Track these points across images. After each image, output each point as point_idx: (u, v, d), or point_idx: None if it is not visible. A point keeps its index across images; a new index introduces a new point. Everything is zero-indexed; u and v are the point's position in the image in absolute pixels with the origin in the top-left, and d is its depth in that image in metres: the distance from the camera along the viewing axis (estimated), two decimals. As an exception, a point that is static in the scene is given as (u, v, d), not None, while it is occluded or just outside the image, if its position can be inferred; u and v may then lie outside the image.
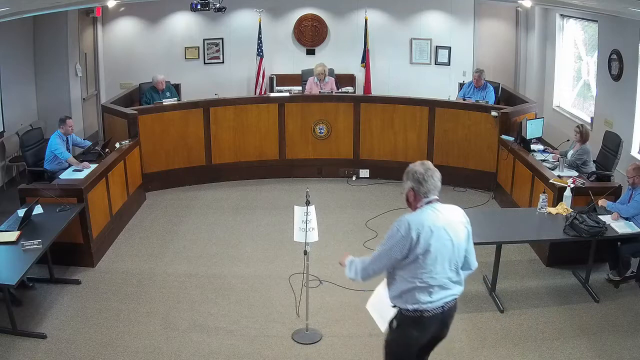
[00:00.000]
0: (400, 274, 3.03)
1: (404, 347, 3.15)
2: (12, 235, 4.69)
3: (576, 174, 5.94)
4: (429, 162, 3.10)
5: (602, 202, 5.27)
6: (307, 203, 4.26)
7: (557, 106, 9.56)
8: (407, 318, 3.06)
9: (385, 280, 3.21)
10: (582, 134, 6.16)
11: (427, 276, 2.99)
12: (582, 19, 8.58)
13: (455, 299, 3.14)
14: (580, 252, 5.29)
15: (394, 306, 3.13)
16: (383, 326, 3.29)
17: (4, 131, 7.59)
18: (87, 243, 5.51)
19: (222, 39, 9.93)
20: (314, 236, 4.33)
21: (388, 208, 6.77)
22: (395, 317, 3.13)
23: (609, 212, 5.18)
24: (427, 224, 2.96)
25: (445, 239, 3.00)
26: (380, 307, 3.31)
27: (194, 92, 8.76)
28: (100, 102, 9.07)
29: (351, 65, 9.84)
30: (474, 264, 3.24)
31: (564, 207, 5.25)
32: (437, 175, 3.04)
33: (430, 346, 3.29)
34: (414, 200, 3.06)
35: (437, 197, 3.06)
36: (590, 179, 5.83)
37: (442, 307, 3.06)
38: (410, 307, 3.03)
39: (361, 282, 3.21)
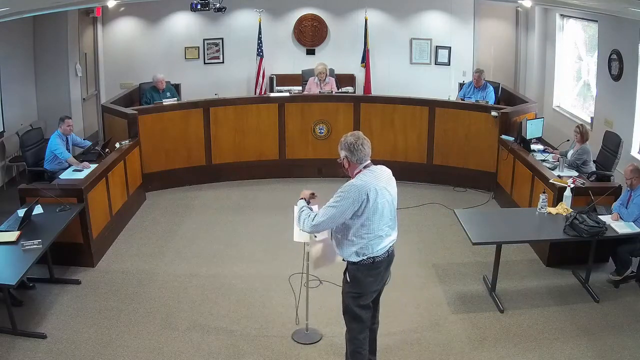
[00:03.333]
0: (353, 233, 3.45)
1: (362, 294, 3.58)
2: (12, 235, 4.69)
3: (576, 174, 5.94)
4: (360, 132, 3.55)
5: (615, 216, 5.20)
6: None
7: (557, 106, 9.56)
8: (362, 267, 3.51)
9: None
10: (582, 134, 6.16)
11: (376, 228, 3.45)
12: (582, 19, 8.58)
13: (393, 243, 3.63)
14: (580, 252, 5.29)
15: (347, 261, 3.56)
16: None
17: (4, 131, 7.59)
18: (87, 243, 5.51)
19: (222, 39, 9.93)
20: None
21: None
22: (350, 270, 3.57)
23: (609, 212, 5.18)
24: (371, 185, 3.40)
25: (387, 195, 3.48)
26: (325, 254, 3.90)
27: (194, 92, 8.76)
28: (100, 102, 9.07)
29: (351, 65, 9.84)
30: None
31: (564, 207, 5.25)
32: (367, 144, 3.48)
33: (378, 294, 3.76)
34: (350, 167, 3.52)
35: (369, 161, 3.50)
36: (590, 179, 5.83)
37: (388, 251, 3.57)
38: (364, 257, 3.48)
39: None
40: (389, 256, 3.59)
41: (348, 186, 3.41)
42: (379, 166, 3.56)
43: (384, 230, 3.49)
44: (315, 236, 3.79)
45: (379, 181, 3.45)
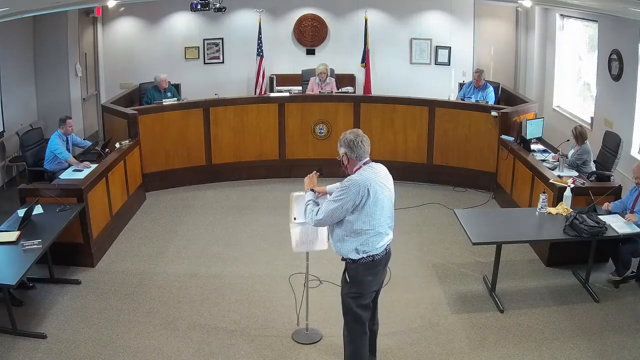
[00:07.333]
0: (355, 228, 3.46)
1: (362, 294, 3.59)
2: (12, 235, 4.69)
3: (576, 174, 5.94)
4: (359, 130, 3.60)
5: (606, 205, 5.22)
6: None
7: (557, 106, 9.55)
8: (361, 265, 3.52)
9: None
10: (578, 137, 6.15)
11: (377, 224, 3.48)
12: (582, 19, 8.58)
13: (390, 242, 3.66)
14: (580, 252, 5.29)
15: (346, 260, 3.58)
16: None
17: (4, 131, 7.59)
18: (87, 243, 5.51)
19: (222, 39, 9.94)
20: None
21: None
22: (349, 270, 3.58)
23: (609, 212, 5.18)
24: (372, 180, 3.46)
25: (386, 190, 3.54)
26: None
27: (194, 92, 8.76)
28: (100, 102, 9.07)
29: (351, 65, 9.85)
30: None
31: (564, 207, 5.25)
32: (366, 141, 3.54)
33: (377, 294, 3.79)
34: (349, 164, 3.57)
35: (368, 158, 3.55)
36: (590, 179, 5.83)
37: (386, 250, 3.59)
38: (365, 255, 3.49)
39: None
40: (387, 254, 3.62)
41: (349, 181, 3.45)
42: (376, 163, 3.62)
43: (383, 227, 3.53)
44: (295, 218, 3.82)
45: (379, 177, 3.51)
